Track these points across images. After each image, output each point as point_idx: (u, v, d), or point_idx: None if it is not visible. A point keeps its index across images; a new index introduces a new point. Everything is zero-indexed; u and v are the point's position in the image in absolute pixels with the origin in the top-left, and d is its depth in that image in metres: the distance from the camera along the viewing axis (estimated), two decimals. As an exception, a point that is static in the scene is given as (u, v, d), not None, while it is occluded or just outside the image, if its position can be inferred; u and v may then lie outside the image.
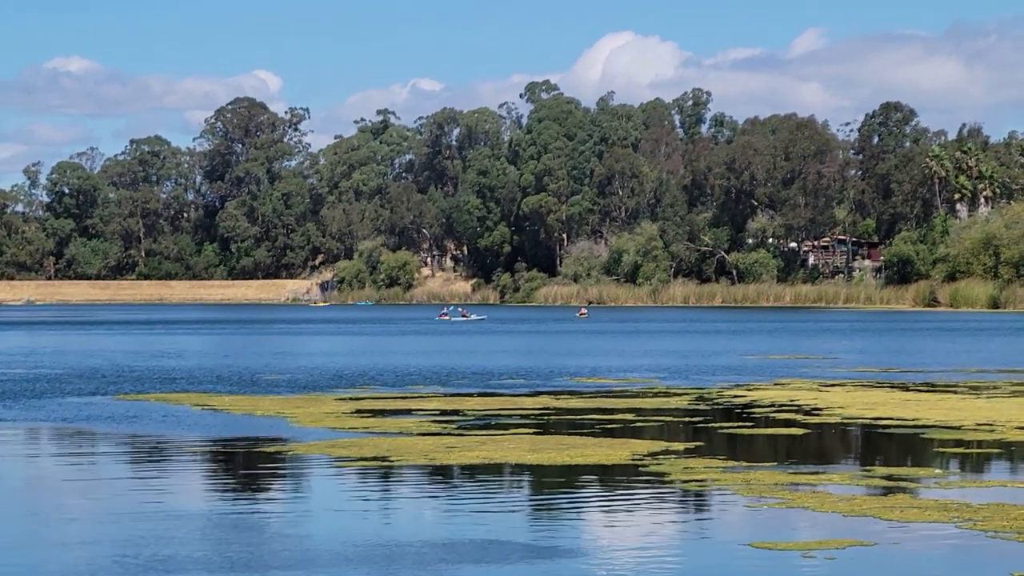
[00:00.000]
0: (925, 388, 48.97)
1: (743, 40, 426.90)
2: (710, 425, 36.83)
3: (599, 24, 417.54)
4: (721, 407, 42.17)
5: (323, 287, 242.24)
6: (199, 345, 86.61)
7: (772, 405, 42.24)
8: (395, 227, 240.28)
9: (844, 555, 19.83)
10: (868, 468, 28.49)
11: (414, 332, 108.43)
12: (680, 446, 31.85)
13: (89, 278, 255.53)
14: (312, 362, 66.09)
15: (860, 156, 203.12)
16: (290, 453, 31.23)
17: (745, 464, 28.71)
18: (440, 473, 28.07)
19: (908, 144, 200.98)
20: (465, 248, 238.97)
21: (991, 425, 35.88)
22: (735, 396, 45.76)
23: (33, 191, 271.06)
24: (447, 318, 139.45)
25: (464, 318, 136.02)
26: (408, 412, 40.41)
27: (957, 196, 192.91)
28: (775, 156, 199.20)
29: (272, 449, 31.86)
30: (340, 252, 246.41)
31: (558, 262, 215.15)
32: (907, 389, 48.50)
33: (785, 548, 20.24)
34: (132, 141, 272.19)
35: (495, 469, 28.57)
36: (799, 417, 38.54)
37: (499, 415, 39.31)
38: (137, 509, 23.98)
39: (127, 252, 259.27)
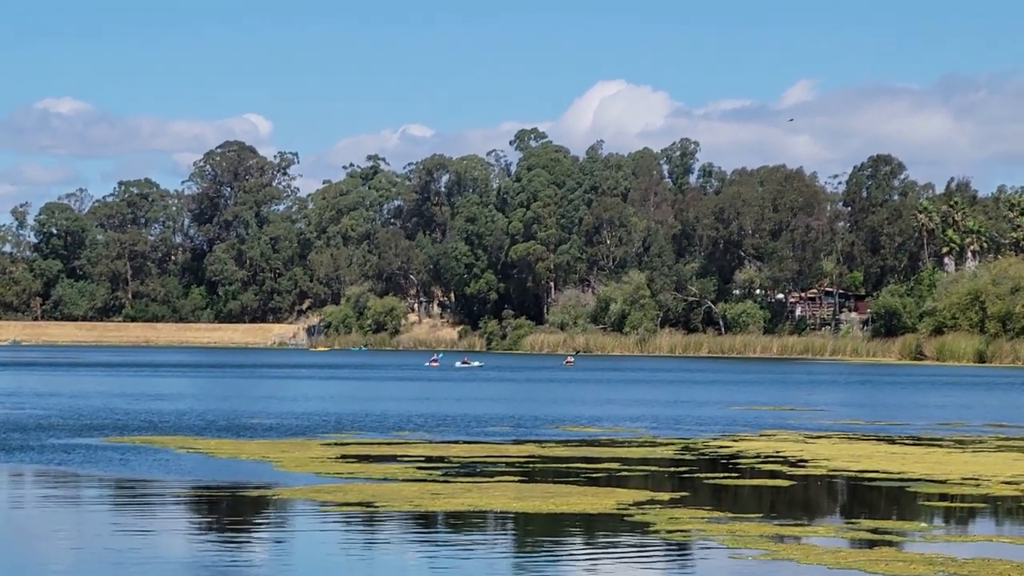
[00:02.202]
0: (911, 441, 48.98)
1: (734, 91, 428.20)
2: (696, 475, 36.78)
3: (591, 72, 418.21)
4: (707, 457, 42.14)
5: (310, 332, 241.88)
6: (187, 388, 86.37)
7: (758, 456, 42.20)
8: (383, 273, 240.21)
9: (829, 608, 19.80)
10: (853, 521, 28.46)
11: (406, 378, 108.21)
12: (665, 496, 31.80)
13: (76, 319, 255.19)
14: (301, 407, 65.92)
15: (849, 208, 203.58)
16: (275, 498, 31.14)
17: (730, 515, 28.68)
18: (425, 520, 28.01)
19: (896, 197, 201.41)
20: (452, 295, 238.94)
21: (976, 479, 35.89)
22: (721, 447, 45.72)
23: (21, 232, 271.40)
24: (436, 364, 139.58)
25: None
26: (394, 458, 40.33)
27: (945, 250, 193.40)
28: (763, 207, 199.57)
29: (256, 494, 31.77)
30: (327, 297, 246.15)
31: (545, 310, 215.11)
32: (893, 442, 48.50)
33: (770, 600, 20.21)
34: (121, 183, 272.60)
35: (480, 517, 28.50)
36: (785, 469, 38.52)
37: (485, 462, 39.25)
38: (121, 554, 23.89)
39: (114, 294, 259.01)
